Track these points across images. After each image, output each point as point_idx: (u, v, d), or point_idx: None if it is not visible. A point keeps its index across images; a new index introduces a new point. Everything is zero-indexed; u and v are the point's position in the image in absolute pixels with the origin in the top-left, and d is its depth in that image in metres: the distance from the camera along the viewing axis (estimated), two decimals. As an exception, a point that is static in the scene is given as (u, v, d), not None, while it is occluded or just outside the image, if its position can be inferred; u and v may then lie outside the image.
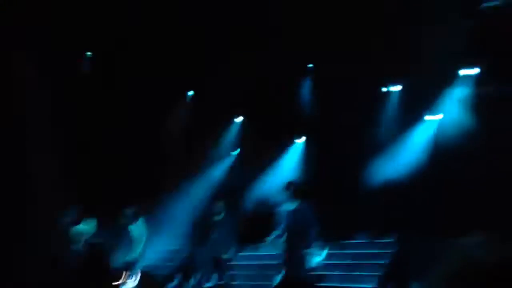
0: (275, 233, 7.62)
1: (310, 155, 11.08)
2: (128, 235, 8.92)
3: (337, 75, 9.89)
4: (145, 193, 10.01)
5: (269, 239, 7.71)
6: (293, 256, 7.30)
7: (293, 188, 7.52)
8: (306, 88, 11.14)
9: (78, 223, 8.16)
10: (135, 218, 8.91)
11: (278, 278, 7.64)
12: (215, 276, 8.83)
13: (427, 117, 9.82)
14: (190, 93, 12.30)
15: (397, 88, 10.23)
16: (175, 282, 9.35)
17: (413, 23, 8.82)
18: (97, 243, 7.25)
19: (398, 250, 8.46)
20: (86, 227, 7.27)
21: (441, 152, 9.31)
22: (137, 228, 8.85)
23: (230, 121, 12.22)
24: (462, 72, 9.31)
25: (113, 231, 8.56)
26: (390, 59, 9.36)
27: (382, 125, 10.12)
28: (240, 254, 8.87)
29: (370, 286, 8.16)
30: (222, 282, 8.63)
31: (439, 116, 9.81)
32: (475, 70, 9.20)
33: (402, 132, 9.90)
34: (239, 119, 12.19)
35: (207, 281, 9.80)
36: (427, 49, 8.66)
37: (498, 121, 8.36)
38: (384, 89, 10.26)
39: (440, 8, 8.53)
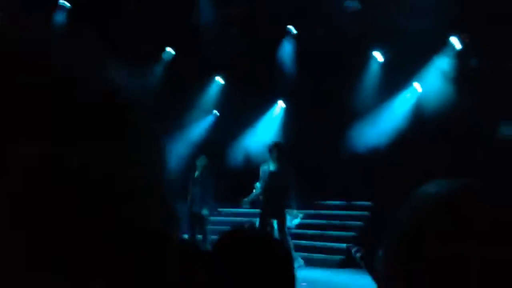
0: (255, 192, 7.73)
1: (290, 118, 11.15)
2: None
3: (319, 39, 9.88)
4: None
5: (249, 197, 7.82)
6: (271, 215, 7.41)
7: (276, 149, 7.56)
8: (286, 51, 11.08)
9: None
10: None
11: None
12: (191, 233, 8.88)
13: (412, 86, 9.94)
14: (170, 50, 12.06)
15: (380, 55, 10.31)
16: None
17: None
18: None
19: (372, 215, 8.70)
20: None
21: (421, 121, 9.52)
22: None
23: (210, 80, 12.13)
24: (446, 43, 9.44)
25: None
26: (374, 27, 9.42)
27: (364, 91, 10.22)
28: (220, 209, 8.93)
29: (343, 245, 8.38)
30: (199, 237, 8.69)
31: (419, 86, 10.00)
32: (459, 43, 9.37)
33: (384, 99, 10.03)
34: (219, 79, 12.12)
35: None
36: (412, 19, 8.72)
37: (479, 93, 8.57)
38: (368, 55, 10.30)
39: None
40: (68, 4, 10.81)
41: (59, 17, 10.70)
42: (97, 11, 10.32)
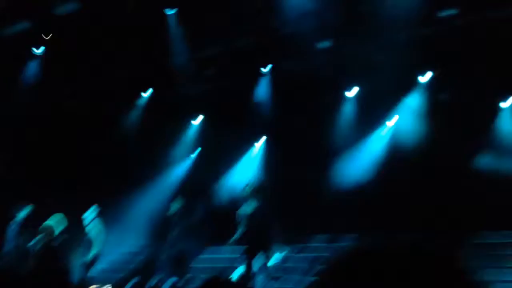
0: (235, 236, 7.61)
1: (270, 156, 11.19)
2: (86, 236, 8.76)
3: (294, 76, 10.06)
4: (104, 193, 9.79)
5: (229, 242, 7.70)
6: (255, 255, 7.32)
7: (250, 189, 7.54)
8: (264, 89, 11.21)
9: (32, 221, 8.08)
10: (93, 218, 8.78)
11: (235, 277, 7.67)
12: (173, 279, 8.72)
13: (387, 123, 10.14)
14: (147, 92, 12.11)
15: (353, 93, 10.50)
16: (132, 282, 9.16)
17: (366, 32, 9.06)
18: (54, 244, 7.04)
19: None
20: (54, 223, 7.06)
21: (396, 156, 9.67)
22: (95, 229, 8.71)
23: (189, 121, 12.16)
24: (418, 79, 9.71)
25: (71, 232, 8.37)
26: (350, 65, 9.67)
27: (340, 128, 10.37)
28: (201, 256, 8.81)
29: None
30: (180, 285, 8.53)
31: (393, 122, 10.21)
32: (429, 77, 9.65)
33: (360, 136, 10.18)
34: (199, 119, 12.15)
35: (164, 282, 9.68)
36: (384, 56, 8.97)
37: (451, 126, 8.79)
38: (343, 93, 10.51)
39: (397, 17, 8.87)
40: (38, 51, 10.81)
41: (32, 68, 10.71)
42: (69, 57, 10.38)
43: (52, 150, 10.99)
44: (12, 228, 8.97)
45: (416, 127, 9.43)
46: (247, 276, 7.18)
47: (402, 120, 9.91)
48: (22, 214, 9.01)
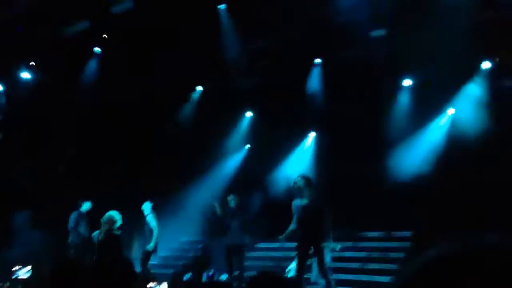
0: (290, 228, 7.57)
1: (323, 148, 11.07)
2: (144, 228, 9.07)
3: (347, 67, 9.86)
4: (161, 185, 10.07)
5: (285, 233, 7.67)
6: (308, 250, 7.23)
7: (304, 182, 7.41)
8: (317, 80, 11.07)
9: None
10: (150, 211, 9.07)
11: (291, 273, 7.64)
12: (228, 270, 8.83)
13: (447, 111, 9.76)
14: (199, 88, 12.30)
15: (410, 82, 10.19)
16: (190, 274, 9.39)
17: (427, 17, 8.75)
18: (117, 233, 7.27)
19: (414, 245, 8.44)
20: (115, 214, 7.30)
21: (455, 147, 9.30)
22: (152, 221, 8.99)
23: (242, 114, 12.23)
24: (480, 66, 9.27)
25: (130, 224, 8.69)
26: (402, 52, 9.35)
27: (396, 118, 10.09)
28: (255, 245, 8.86)
29: (386, 279, 8.13)
30: (236, 274, 8.61)
31: (453, 111, 9.81)
32: (489, 65, 9.20)
33: (417, 126, 9.86)
34: (249, 114, 12.22)
35: (221, 273, 9.85)
36: (443, 42, 8.62)
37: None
38: (399, 82, 10.20)
39: (457, 1, 8.48)
40: (97, 50, 11.19)
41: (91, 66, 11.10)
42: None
43: (110, 144, 11.39)
44: (74, 220, 9.42)
45: (477, 116, 9.01)
46: (301, 271, 7.11)
47: (462, 109, 9.50)
48: (84, 207, 9.45)
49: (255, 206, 10.58)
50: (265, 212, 10.56)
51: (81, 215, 9.50)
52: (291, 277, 7.38)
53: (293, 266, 8.42)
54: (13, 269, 6.44)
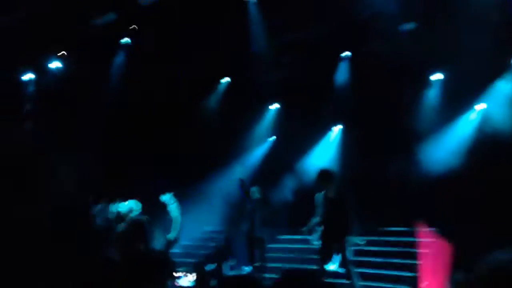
0: (313, 221, 7.56)
1: (348, 141, 11.03)
2: (167, 217, 9.16)
3: (375, 61, 9.77)
4: (186, 176, 10.18)
5: (308, 226, 7.66)
6: (332, 244, 7.19)
7: (328, 176, 7.35)
8: (342, 74, 11.01)
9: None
10: (173, 200, 9.13)
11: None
12: (247, 268, 8.85)
13: (475, 107, 9.61)
14: (225, 80, 12.36)
15: (440, 76, 10.06)
16: (213, 265, 9.47)
17: (457, 11, 8.61)
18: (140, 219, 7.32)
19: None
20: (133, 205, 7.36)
21: (484, 143, 9.16)
22: (175, 210, 9.06)
23: (267, 107, 12.26)
24: (508, 63, 9.10)
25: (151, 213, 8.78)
26: (432, 46, 9.23)
27: (424, 112, 9.98)
28: (278, 237, 8.89)
29: (411, 274, 8.09)
30: (258, 264, 8.66)
31: (482, 106, 9.67)
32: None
33: (445, 120, 9.74)
34: (275, 106, 12.24)
35: (244, 264, 9.92)
36: (474, 37, 8.48)
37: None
38: (428, 77, 10.08)
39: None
40: (125, 42, 11.32)
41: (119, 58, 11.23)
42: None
43: (136, 135, 11.54)
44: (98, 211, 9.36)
45: (508, 111, 8.85)
46: (323, 265, 7.07)
47: (492, 105, 9.34)
48: (115, 207, 9.27)
49: (277, 199, 10.58)
50: (287, 205, 10.58)
51: (103, 209, 9.28)
52: (313, 269, 7.35)
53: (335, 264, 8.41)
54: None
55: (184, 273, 6.89)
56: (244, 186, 8.91)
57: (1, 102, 10.99)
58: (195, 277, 6.74)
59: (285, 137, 11.75)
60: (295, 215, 9.06)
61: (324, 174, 7.30)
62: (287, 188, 10.83)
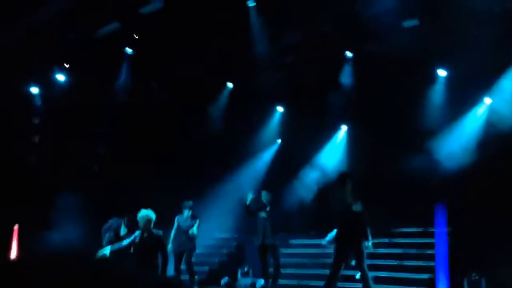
0: (331, 235, 7.40)
1: (355, 142, 10.92)
2: (182, 225, 9.14)
3: (379, 59, 9.66)
4: (194, 185, 10.15)
5: (328, 237, 7.51)
6: (350, 250, 7.02)
7: (348, 180, 7.10)
8: (346, 74, 10.90)
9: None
10: (189, 209, 9.11)
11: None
12: (261, 281, 8.75)
13: (484, 100, 9.45)
14: (229, 85, 12.32)
15: (444, 73, 9.93)
16: (226, 279, 9.39)
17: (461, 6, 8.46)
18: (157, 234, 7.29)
19: (453, 241, 8.23)
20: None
21: (493, 138, 9.01)
22: (190, 219, 9.05)
23: (273, 109, 12.19)
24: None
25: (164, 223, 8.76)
26: (436, 41, 9.11)
27: (430, 109, 9.84)
28: (291, 242, 8.79)
29: (426, 276, 7.99)
30: (271, 271, 8.58)
31: (490, 100, 9.52)
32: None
33: (452, 116, 9.59)
34: (280, 109, 12.17)
35: (255, 270, 9.87)
36: (478, 33, 8.35)
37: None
38: (433, 73, 9.95)
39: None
40: (129, 51, 11.31)
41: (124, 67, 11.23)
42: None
43: (141, 143, 11.54)
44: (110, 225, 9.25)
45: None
46: (334, 274, 6.92)
47: (499, 99, 9.19)
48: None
49: (286, 203, 10.49)
50: (296, 209, 10.51)
51: (117, 225, 9.15)
52: None
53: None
54: None
55: None
56: (258, 201, 8.81)
57: (9, 115, 11.05)
58: None
59: (292, 139, 11.67)
60: (308, 219, 8.98)
61: (343, 177, 7.10)
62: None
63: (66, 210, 10.40)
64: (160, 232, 7.18)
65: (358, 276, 7.18)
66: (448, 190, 8.68)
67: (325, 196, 7.74)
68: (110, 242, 8.48)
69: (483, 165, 8.58)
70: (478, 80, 9.25)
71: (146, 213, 7.11)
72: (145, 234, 6.92)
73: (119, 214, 9.06)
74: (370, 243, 7.37)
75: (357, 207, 6.86)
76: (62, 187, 10.54)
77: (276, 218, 8.71)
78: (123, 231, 8.37)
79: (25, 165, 11.39)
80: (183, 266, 8.96)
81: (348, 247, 6.82)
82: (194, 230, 8.89)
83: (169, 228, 9.26)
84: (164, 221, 10.06)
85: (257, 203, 8.77)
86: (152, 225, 7.07)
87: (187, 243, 8.92)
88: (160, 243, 6.99)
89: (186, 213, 9.05)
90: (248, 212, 8.64)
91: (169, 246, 8.78)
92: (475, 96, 9.61)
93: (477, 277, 7.17)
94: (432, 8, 8.78)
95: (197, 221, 9.00)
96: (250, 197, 8.79)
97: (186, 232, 8.97)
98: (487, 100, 9.57)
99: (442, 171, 8.97)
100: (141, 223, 7.00)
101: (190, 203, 9.10)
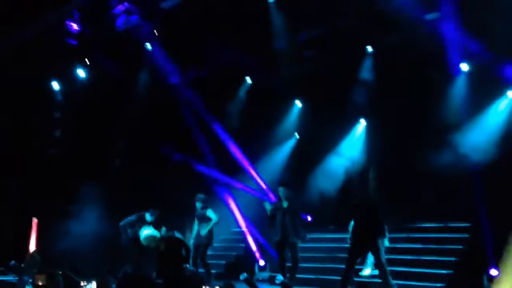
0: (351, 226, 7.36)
1: (374, 136, 10.83)
2: (199, 220, 9.22)
3: (399, 53, 9.55)
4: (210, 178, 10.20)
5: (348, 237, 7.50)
6: (366, 246, 6.97)
7: (368, 175, 7.04)
8: (366, 68, 10.81)
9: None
10: (201, 202, 9.21)
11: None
12: (281, 266, 8.74)
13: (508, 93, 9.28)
14: (249, 80, 12.34)
15: (465, 65, 9.77)
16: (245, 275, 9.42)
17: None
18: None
19: (473, 237, 8.12)
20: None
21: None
22: (212, 214, 9.12)
23: (290, 104, 12.17)
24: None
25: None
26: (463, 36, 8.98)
27: (451, 103, 9.70)
28: (309, 236, 8.75)
29: (444, 272, 7.90)
30: (289, 265, 8.56)
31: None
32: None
33: (474, 111, 9.43)
34: (298, 103, 12.15)
35: (272, 265, 9.90)
36: (500, 27, 8.19)
37: None
38: (455, 67, 9.79)
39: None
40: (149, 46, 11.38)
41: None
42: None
43: (160, 137, 11.64)
44: (129, 220, 9.33)
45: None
46: (349, 268, 6.87)
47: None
48: (149, 216, 9.24)
49: (304, 199, 10.45)
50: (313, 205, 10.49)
51: (140, 219, 9.23)
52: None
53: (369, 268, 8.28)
54: (82, 284, 6.45)
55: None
56: (276, 204, 8.82)
57: (31, 110, 11.26)
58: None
59: (311, 132, 11.62)
60: (327, 213, 8.92)
61: (364, 172, 7.03)
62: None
63: (87, 204, 10.57)
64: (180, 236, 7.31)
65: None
66: (468, 186, 8.54)
67: (346, 191, 7.69)
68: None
69: (503, 161, 8.42)
70: (499, 75, 9.08)
71: (150, 234, 7.13)
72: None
73: (142, 209, 9.19)
74: (386, 239, 7.33)
75: (374, 201, 6.79)
76: (82, 181, 10.70)
77: (293, 216, 8.61)
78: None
79: (46, 159, 11.60)
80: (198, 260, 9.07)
81: (364, 242, 6.76)
82: (206, 229, 9.00)
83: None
84: (184, 215, 10.17)
85: (275, 206, 8.74)
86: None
87: (201, 237, 9.03)
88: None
89: (199, 205, 9.18)
90: (272, 219, 8.66)
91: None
92: (497, 91, 9.43)
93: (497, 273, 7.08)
94: (454, 0, 8.65)
95: (208, 210, 9.11)
96: (268, 206, 8.78)
97: (200, 225, 9.10)
98: (510, 94, 9.40)
99: (463, 166, 8.82)
100: (145, 243, 7.04)
101: (202, 196, 9.24)
